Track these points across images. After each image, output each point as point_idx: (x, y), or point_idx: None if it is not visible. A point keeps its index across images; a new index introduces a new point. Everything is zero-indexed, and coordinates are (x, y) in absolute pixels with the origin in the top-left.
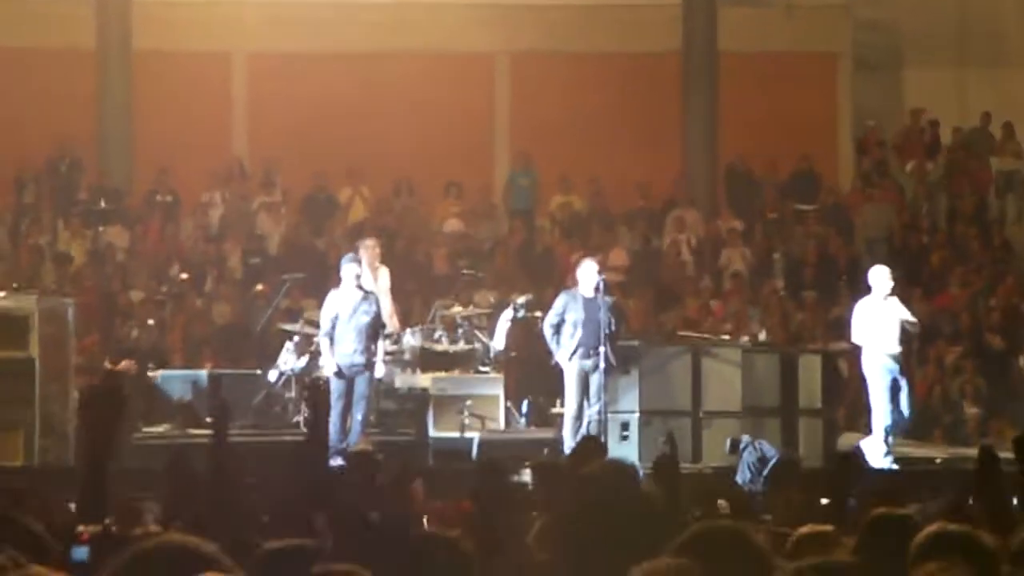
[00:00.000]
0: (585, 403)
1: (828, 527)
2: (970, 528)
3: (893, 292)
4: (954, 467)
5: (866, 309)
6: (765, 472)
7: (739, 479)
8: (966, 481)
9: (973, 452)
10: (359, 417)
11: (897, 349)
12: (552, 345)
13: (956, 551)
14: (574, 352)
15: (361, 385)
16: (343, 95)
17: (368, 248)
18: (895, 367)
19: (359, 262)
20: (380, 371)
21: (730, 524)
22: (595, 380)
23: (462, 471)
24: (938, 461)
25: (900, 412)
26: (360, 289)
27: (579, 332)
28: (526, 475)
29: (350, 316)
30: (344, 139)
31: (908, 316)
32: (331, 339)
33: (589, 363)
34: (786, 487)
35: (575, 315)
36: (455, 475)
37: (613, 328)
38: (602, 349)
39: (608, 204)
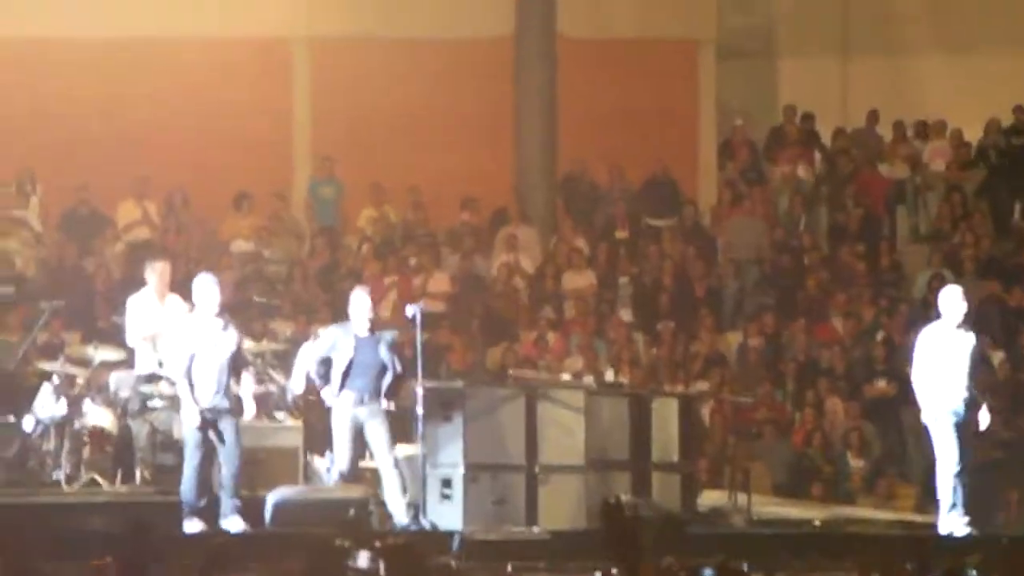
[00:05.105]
0: (385, 459)
1: None
2: None
3: (966, 321)
4: (835, 531)
5: (932, 339)
6: None
7: None
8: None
9: (859, 512)
10: (231, 472)
11: (966, 392)
12: (317, 381)
13: None
14: (341, 390)
15: (227, 432)
16: (109, 90)
17: (159, 272)
18: (961, 413)
19: (217, 284)
20: (251, 411)
21: None
22: (377, 431)
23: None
24: (817, 523)
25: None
26: (219, 317)
27: (350, 376)
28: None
29: (209, 349)
30: (113, 143)
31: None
32: (189, 380)
33: (364, 411)
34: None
35: (345, 356)
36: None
37: (399, 370)
38: (379, 396)
39: (428, 218)
